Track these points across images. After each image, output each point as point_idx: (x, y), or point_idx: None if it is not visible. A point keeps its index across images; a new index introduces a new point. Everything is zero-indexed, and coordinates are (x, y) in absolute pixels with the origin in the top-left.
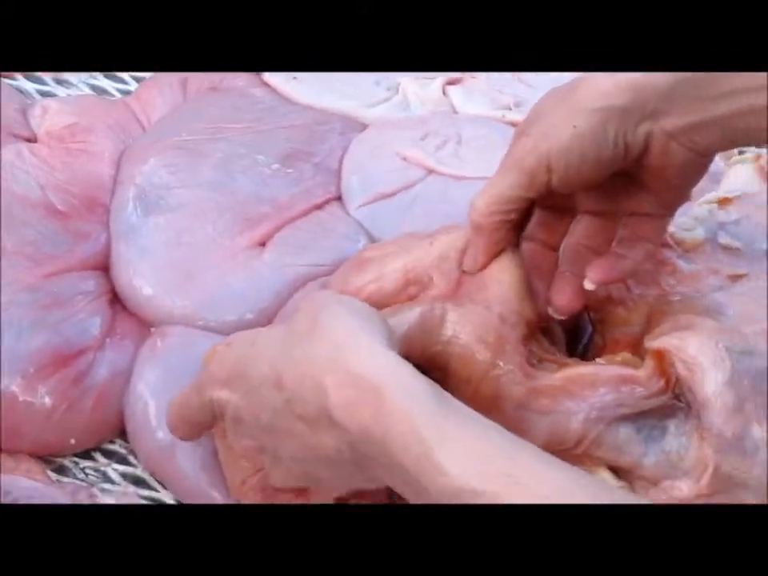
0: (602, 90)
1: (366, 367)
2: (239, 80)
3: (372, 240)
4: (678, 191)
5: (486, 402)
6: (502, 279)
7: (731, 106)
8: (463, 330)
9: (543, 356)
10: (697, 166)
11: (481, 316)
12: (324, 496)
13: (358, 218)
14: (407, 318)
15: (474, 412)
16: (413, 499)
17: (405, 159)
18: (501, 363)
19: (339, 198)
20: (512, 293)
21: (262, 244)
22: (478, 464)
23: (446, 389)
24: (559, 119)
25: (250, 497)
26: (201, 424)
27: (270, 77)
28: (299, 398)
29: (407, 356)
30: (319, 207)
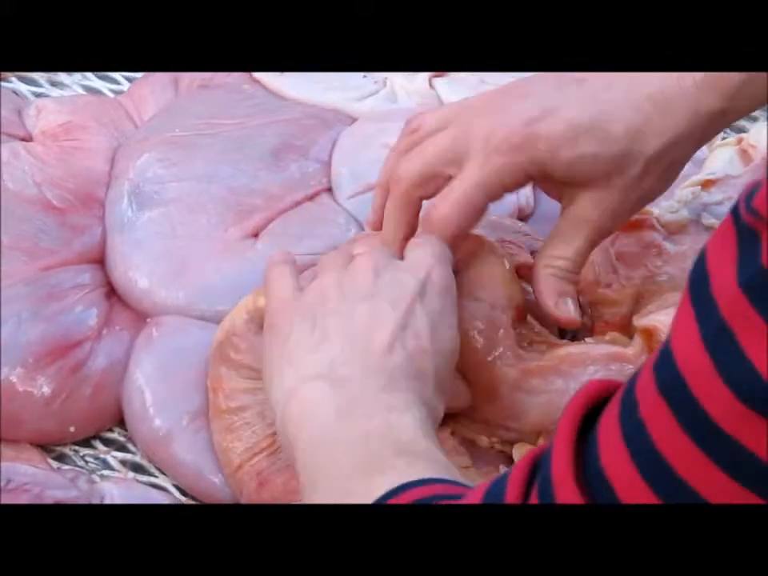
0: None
1: None
2: (230, 77)
3: (362, 229)
4: None
5: (485, 389)
6: (485, 272)
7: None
8: (470, 325)
9: (534, 338)
10: None
11: (470, 307)
12: None
13: (348, 208)
14: None
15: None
16: None
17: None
18: (495, 347)
19: (329, 190)
20: (498, 281)
21: (255, 235)
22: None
23: None
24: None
25: (246, 481)
26: None
27: (259, 74)
28: None
29: None
30: (310, 198)
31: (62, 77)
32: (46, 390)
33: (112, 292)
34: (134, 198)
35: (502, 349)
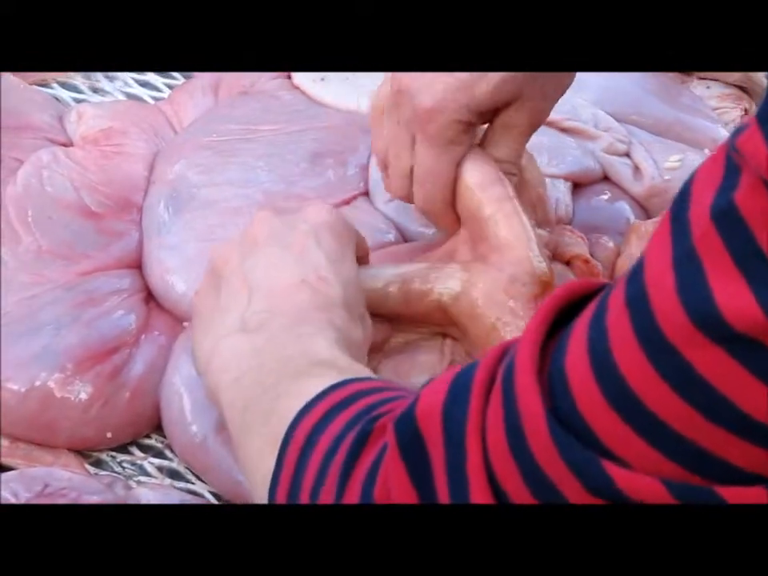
0: None
1: None
2: (269, 83)
3: (401, 233)
4: None
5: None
6: (514, 244)
7: None
8: (473, 287)
9: None
10: None
11: (491, 277)
12: None
13: (386, 213)
14: (413, 266)
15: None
16: None
17: None
18: (505, 319)
19: (367, 194)
20: (525, 254)
21: None
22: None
23: (464, 344)
24: None
25: None
26: None
27: (298, 79)
28: None
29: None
30: (347, 203)
31: (104, 83)
32: (84, 395)
33: (150, 297)
34: (170, 203)
35: (518, 322)
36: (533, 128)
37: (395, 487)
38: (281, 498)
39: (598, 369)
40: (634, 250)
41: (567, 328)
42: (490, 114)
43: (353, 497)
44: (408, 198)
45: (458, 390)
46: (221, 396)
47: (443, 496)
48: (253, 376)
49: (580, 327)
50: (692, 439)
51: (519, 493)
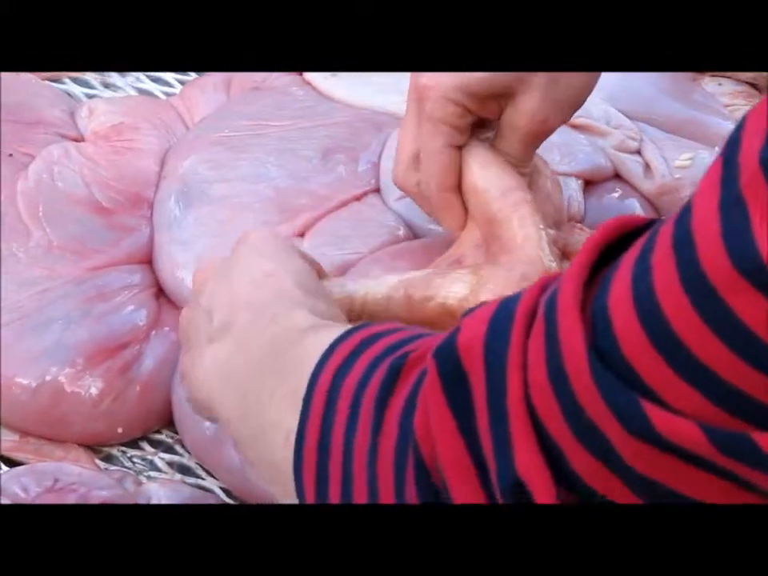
0: None
1: None
2: (280, 79)
3: (411, 230)
4: None
5: None
6: (524, 243)
7: None
8: (483, 288)
9: None
10: None
11: (502, 277)
12: None
13: (396, 210)
14: (417, 272)
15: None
16: None
17: None
18: None
19: (378, 191)
20: (536, 252)
21: (302, 235)
22: None
23: None
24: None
25: None
26: None
27: (309, 75)
28: None
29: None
30: (358, 199)
31: (115, 78)
32: (94, 390)
33: (160, 292)
34: (181, 198)
35: None
36: (536, 131)
37: (435, 418)
38: (309, 450)
39: (642, 309)
40: None
41: (613, 264)
42: (491, 105)
43: (391, 430)
44: (410, 189)
45: (500, 323)
46: (215, 404)
47: (483, 429)
48: (242, 370)
49: (625, 265)
50: (734, 383)
51: (560, 430)
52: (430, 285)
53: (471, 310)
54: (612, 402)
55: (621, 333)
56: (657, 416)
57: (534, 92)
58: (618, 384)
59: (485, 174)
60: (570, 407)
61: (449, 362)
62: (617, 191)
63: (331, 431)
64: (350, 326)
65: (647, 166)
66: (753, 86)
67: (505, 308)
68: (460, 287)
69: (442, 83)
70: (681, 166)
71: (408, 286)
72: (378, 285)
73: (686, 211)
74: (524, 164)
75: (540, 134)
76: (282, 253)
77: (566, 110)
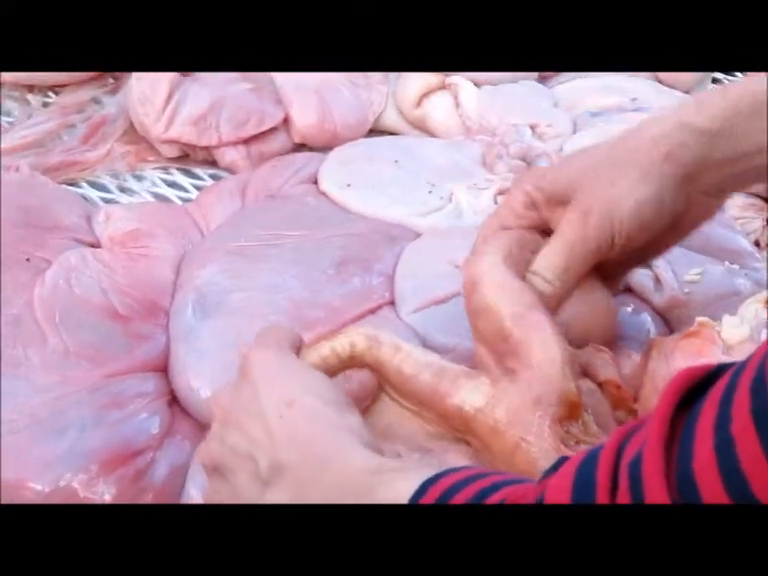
0: (653, 159)
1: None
2: (295, 188)
3: (425, 342)
4: (686, 234)
5: (524, 471)
6: (544, 361)
7: (748, 165)
8: (498, 404)
9: (583, 438)
10: (711, 208)
11: (519, 393)
12: None
13: (409, 323)
14: (451, 364)
15: None
16: None
17: (458, 267)
18: (529, 439)
19: (392, 303)
20: (555, 373)
21: None
22: None
23: (485, 456)
24: (615, 194)
25: None
26: None
27: (324, 185)
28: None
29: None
30: (372, 312)
31: (131, 183)
32: (108, 497)
33: (174, 400)
34: (197, 308)
35: (541, 443)
36: (579, 245)
37: None
38: None
39: (728, 480)
40: (656, 365)
41: (689, 423)
42: (556, 209)
43: None
44: None
45: (583, 491)
46: None
47: None
48: None
49: (703, 430)
50: None
51: None
52: (456, 382)
53: (551, 473)
54: None
55: (708, 501)
56: None
57: (585, 199)
58: None
59: (497, 296)
60: None
61: None
62: (629, 305)
63: None
64: (424, 469)
65: (657, 279)
66: (763, 199)
67: (585, 471)
68: (478, 398)
69: (527, 177)
70: (690, 281)
71: (440, 372)
72: (418, 355)
73: (761, 377)
74: (555, 275)
75: (585, 253)
76: (289, 371)
77: (619, 242)
